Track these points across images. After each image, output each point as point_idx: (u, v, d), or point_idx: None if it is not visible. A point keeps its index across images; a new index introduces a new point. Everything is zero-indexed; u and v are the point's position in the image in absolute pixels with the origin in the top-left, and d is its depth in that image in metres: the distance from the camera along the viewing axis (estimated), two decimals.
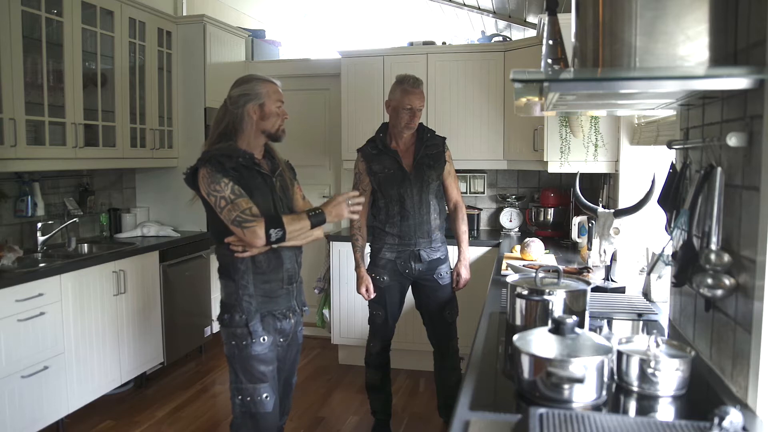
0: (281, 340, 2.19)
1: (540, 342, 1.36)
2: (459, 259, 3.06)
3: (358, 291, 2.98)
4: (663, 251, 1.70)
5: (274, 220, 2.02)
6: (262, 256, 2.09)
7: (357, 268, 2.98)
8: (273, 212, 2.08)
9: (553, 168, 3.45)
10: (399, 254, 2.92)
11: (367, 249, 3.03)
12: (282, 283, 2.15)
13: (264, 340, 2.10)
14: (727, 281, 1.34)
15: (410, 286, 3.05)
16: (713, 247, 1.40)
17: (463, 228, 3.05)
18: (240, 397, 2.11)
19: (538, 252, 3.12)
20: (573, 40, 1.50)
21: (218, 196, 2.01)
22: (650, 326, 1.97)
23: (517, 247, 3.27)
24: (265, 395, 2.09)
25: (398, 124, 2.85)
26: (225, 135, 2.11)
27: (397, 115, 2.84)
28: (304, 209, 2.27)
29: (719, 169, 1.42)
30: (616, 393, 1.39)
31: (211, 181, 2.01)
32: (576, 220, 3.19)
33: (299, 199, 2.29)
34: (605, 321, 2.01)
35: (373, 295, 2.96)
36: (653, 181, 2.08)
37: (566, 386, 1.26)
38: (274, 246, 2.08)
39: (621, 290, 2.42)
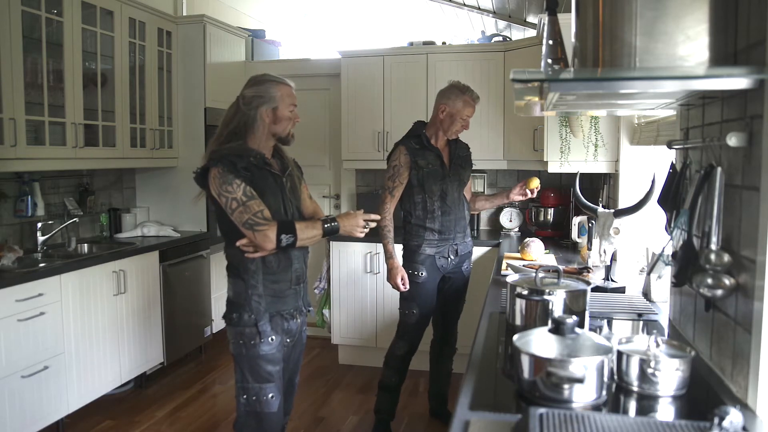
0: (288, 340, 2.19)
1: (540, 342, 1.36)
2: (507, 195, 3.16)
3: (393, 282, 2.94)
4: (663, 251, 1.70)
5: (287, 226, 2.02)
6: (272, 257, 2.09)
7: (390, 259, 2.95)
8: (286, 217, 2.09)
9: (553, 168, 3.45)
10: (439, 249, 2.97)
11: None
12: (290, 283, 2.15)
13: (272, 340, 2.10)
14: (727, 281, 1.34)
15: None
16: (713, 247, 1.40)
17: (482, 198, 3.32)
18: (245, 396, 2.10)
19: (538, 252, 3.12)
20: (573, 40, 1.50)
21: (229, 197, 2.00)
22: (650, 326, 1.97)
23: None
24: (270, 395, 2.09)
25: (449, 130, 2.93)
26: (235, 134, 2.10)
27: (452, 122, 2.91)
28: (311, 210, 2.28)
29: (719, 169, 1.42)
30: (616, 393, 1.39)
31: (223, 181, 2.00)
32: (576, 220, 3.19)
33: (306, 198, 2.29)
34: (605, 321, 2.01)
35: (408, 287, 2.95)
36: (653, 181, 2.08)
37: (566, 386, 1.26)
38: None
39: (621, 290, 2.42)
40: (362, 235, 2.21)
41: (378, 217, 2.27)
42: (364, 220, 2.18)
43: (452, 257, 3.00)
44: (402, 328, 3.05)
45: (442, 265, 2.99)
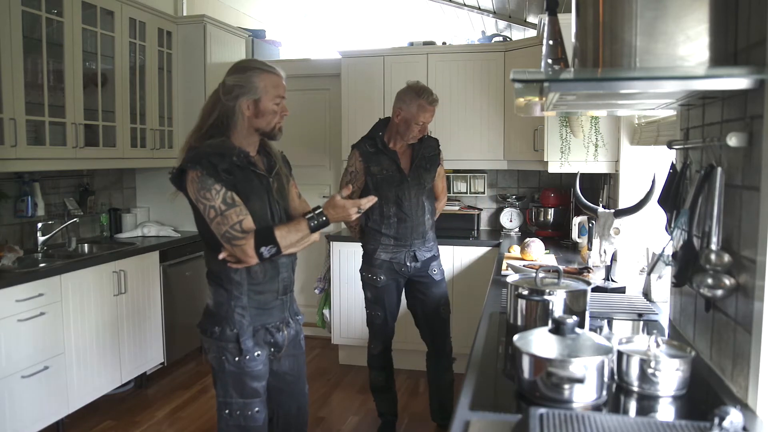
0: (273, 350, 2.02)
1: (540, 342, 1.36)
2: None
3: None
4: (663, 251, 1.70)
5: (266, 237, 1.82)
6: (258, 267, 1.91)
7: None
8: (273, 222, 1.91)
9: (554, 168, 3.44)
10: (395, 255, 2.91)
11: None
12: (277, 294, 1.98)
13: (258, 355, 1.95)
14: (727, 281, 1.34)
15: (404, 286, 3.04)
16: (713, 247, 1.40)
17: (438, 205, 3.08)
18: (228, 411, 1.97)
19: (538, 252, 3.11)
20: (573, 40, 1.50)
21: (207, 204, 1.81)
22: (650, 326, 1.97)
23: (516, 247, 3.27)
24: (256, 409, 1.97)
25: (406, 135, 2.81)
26: (217, 128, 1.90)
27: (407, 127, 2.79)
28: (300, 211, 2.05)
29: (719, 169, 1.42)
30: (616, 393, 1.39)
31: (201, 187, 1.80)
32: (576, 220, 3.19)
33: (295, 198, 2.08)
34: (605, 321, 2.01)
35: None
36: (653, 181, 2.08)
37: (566, 386, 1.26)
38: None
39: (621, 290, 2.42)
40: (355, 217, 2.00)
41: (375, 198, 2.00)
42: (357, 207, 1.94)
43: (410, 262, 2.91)
44: (372, 328, 3.05)
45: (401, 269, 2.91)
